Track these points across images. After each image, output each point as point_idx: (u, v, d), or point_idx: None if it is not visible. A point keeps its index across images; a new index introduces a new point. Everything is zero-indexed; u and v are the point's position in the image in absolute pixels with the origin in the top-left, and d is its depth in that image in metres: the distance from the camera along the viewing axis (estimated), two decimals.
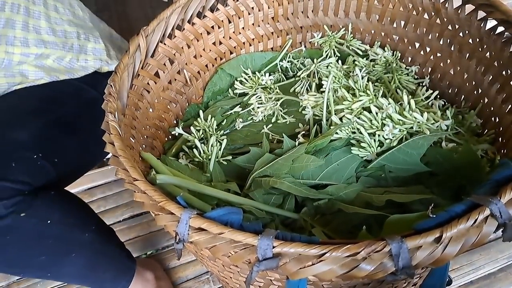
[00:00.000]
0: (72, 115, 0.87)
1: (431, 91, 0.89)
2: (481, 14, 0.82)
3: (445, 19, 0.90)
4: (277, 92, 0.98)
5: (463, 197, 0.54)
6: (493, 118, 0.84)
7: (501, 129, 0.81)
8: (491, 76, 0.84)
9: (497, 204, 0.50)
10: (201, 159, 0.85)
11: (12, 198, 0.71)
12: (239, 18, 1.02)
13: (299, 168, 0.73)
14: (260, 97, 0.97)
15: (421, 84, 0.97)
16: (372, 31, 1.05)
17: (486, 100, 0.86)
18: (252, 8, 1.02)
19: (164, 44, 0.89)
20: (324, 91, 0.85)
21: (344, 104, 0.81)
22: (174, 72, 0.95)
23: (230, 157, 0.84)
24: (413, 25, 0.97)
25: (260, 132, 0.91)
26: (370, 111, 0.78)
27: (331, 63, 0.98)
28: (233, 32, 1.03)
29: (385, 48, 1.02)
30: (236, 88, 1.02)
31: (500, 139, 0.81)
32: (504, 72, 0.80)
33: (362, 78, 0.88)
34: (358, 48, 1.04)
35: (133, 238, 1.25)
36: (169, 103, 0.95)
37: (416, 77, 0.99)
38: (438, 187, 0.72)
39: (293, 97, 0.95)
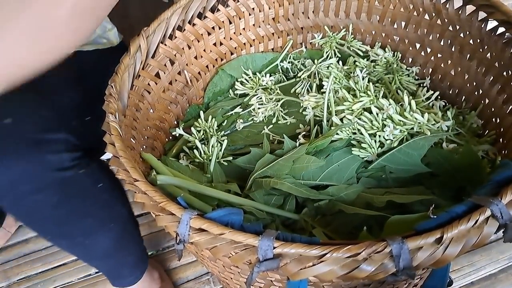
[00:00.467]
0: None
1: (432, 92, 0.89)
2: (482, 15, 0.82)
3: (446, 20, 0.90)
4: (277, 92, 0.98)
5: (463, 198, 0.54)
6: (494, 119, 0.84)
7: (501, 130, 0.81)
8: (492, 77, 0.84)
9: (498, 205, 0.50)
10: (202, 159, 0.85)
11: (75, 153, 0.71)
12: (240, 18, 1.02)
13: (300, 169, 0.73)
14: (261, 98, 0.97)
15: (421, 85, 0.97)
16: (373, 32, 1.05)
17: (487, 101, 0.86)
18: (253, 8, 1.02)
19: (165, 44, 0.89)
20: (324, 92, 0.85)
21: (344, 105, 0.81)
22: (174, 72, 0.95)
23: (230, 158, 0.84)
24: (413, 25, 0.97)
25: (260, 133, 0.91)
26: (370, 112, 0.78)
27: (332, 64, 0.98)
28: (234, 33, 1.03)
29: (386, 49, 1.02)
30: (236, 89, 1.02)
31: (501, 140, 0.81)
32: (505, 73, 0.80)
33: (363, 79, 0.88)
34: (358, 49, 1.04)
35: None
36: (170, 103, 0.95)
37: (416, 78, 0.99)
38: (438, 188, 0.72)
39: (294, 97, 0.95)
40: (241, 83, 1.03)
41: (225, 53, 1.04)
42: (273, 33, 1.08)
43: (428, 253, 0.49)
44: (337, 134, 0.77)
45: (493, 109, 0.84)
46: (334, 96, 0.86)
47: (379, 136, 0.75)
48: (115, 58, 0.85)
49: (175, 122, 0.98)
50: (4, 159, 0.65)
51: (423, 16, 0.94)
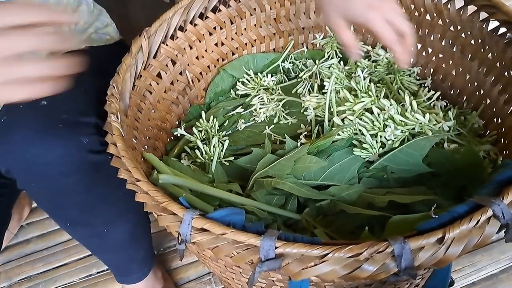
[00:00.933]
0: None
1: (433, 92, 0.89)
2: (483, 15, 0.82)
3: (447, 20, 0.90)
4: (279, 93, 0.98)
5: (465, 198, 0.54)
6: (495, 119, 0.84)
7: (503, 130, 0.81)
8: (493, 77, 0.84)
9: (500, 204, 0.50)
10: (203, 160, 0.85)
11: (103, 138, 0.72)
12: (241, 19, 1.02)
13: (302, 169, 0.73)
14: (262, 98, 0.97)
15: (423, 85, 0.97)
16: None
17: (488, 101, 0.86)
18: (254, 9, 1.02)
19: (166, 45, 0.89)
20: (326, 92, 0.85)
21: (346, 106, 0.81)
22: (176, 73, 0.95)
23: (232, 158, 0.84)
24: (415, 26, 0.97)
25: (262, 133, 0.91)
26: (372, 112, 0.78)
27: (333, 64, 0.99)
28: (235, 33, 1.03)
29: (387, 49, 1.02)
30: (238, 89, 1.02)
31: (502, 140, 0.81)
32: (506, 73, 0.80)
33: (364, 79, 0.88)
34: (360, 49, 1.04)
35: None
36: (171, 104, 0.95)
37: (418, 78, 0.99)
38: (440, 188, 0.72)
39: (295, 98, 0.95)
40: (243, 83, 1.03)
41: (226, 53, 1.04)
42: (274, 33, 1.08)
43: (430, 253, 0.49)
44: (339, 134, 0.77)
45: (494, 109, 0.84)
46: (335, 97, 0.86)
47: (381, 136, 0.75)
48: (122, 52, 0.86)
49: (177, 122, 0.98)
50: (44, 140, 0.66)
51: (424, 17, 0.94)
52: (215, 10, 0.97)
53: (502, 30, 0.79)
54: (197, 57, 0.99)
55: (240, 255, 0.52)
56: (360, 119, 0.78)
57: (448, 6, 0.88)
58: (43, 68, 0.47)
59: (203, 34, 0.97)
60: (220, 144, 0.86)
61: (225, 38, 1.02)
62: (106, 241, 0.89)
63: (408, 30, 0.72)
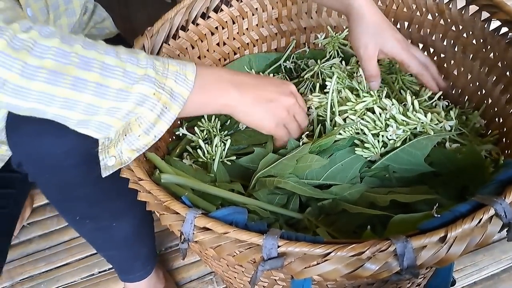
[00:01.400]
0: None
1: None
2: (485, 15, 0.82)
3: (449, 20, 0.90)
4: None
5: (467, 198, 0.54)
6: (496, 119, 0.84)
7: (504, 129, 0.81)
8: (495, 77, 0.84)
9: (502, 204, 0.50)
10: (205, 159, 0.85)
11: None
12: (243, 19, 1.02)
13: (303, 168, 0.73)
14: None
15: (424, 85, 0.97)
16: None
17: (489, 100, 0.86)
18: (256, 9, 1.02)
19: (169, 44, 0.90)
20: (327, 92, 0.85)
21: (347, 105, 0.81)
22: None
23: (234, 158, 0.84)
24: (416, 26, 0.97)
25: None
26: (373, 112, 0.78)
27: (335, 64, 0.99)
28: (237, 33, 1.03)
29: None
30: None
31: (504, 139, 0.82)
32: (508, 73, 0.80)
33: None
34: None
35: None
36: None
37: None
38: (442, 188, 0.72)
39: None
40: None
41: (228, 53, 1.04)
42: (276, 33, 1.08)
43: (432, 252, 0.49)
44: (340, 134, 0.77)
45: (496, 109, 0.84)
46: (337, 96, 0.86)
47: (382, 136, 0.75)
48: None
49: (179, 122, 0.98)
50: (56, 131, 0.66)
51: (426, 16, 0.95)
52: (217, 10, 0.97)
53: (504, 29, 0.79)
54: (199, 57, 0.99)
55: (242, 254, 0.52)
56: (362, 119, 0.78)
57: (450, 6, 0.88)
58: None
59: (205, 34, 0.97)
60: (222, 144, 0.86)
61: (227, 38, 1.02)
62: (112, 236, 0.90)
63: (429, 61, 0.88)
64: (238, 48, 1.05)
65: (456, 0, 0.88)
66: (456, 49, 0.92)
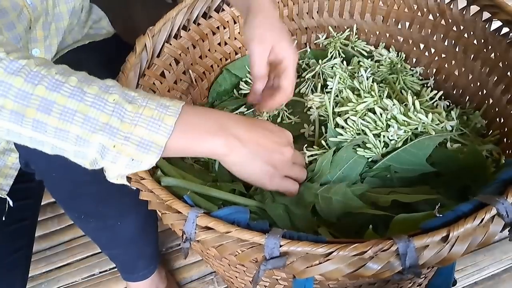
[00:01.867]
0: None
1: (436, 92, 0.89)
2: (486, 15, 0.82)
3: (450, 20, 0.90)
4: None
5: (468, 197, 0.54)
6: (498, 119, 0.84)
7: (505, 129, 0.81)
8: (496, 77, 0.84)
9: (504, 203, 0.50)
10: (207, 159, 0.85)
11: None
12: None
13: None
14: None
15: (425, 85, 0.97)
16: (377, 32, 1.05)
17: (491, 101, 0.86)
18: None
19: (170, 44, 0.90)
20: (329, 92, 0.85)
21: (349, 106, 0.81)
22: (179, 72, 0.95)
23: None
24: (418, 26, 0.97)
25: None
26: (374, 112, 0.78)
27: (336, 64, 0.99)
28: (238, 32, 1.03)
29: (390, 49, 1.03)
30: (241, 89, 1.03)
31: (505, 139, 0.82)
32: (509, 73, 0.80)
33: (367, 79, 0.88)
34: (363, 49, 1.04)
35: None
36: None
37: (420, 78, 0.99)
38: (443, 188, 0.72)
39: (298, 97, 0.95)
40: (246, 82, 1.04)
41: (229, 53, 1.04)
42: None
43: (434, 251, 0.49)
44: (341, 135, 0.77)
45: (497, 109, 0.84)
46: (338, 96, 0.86)
47: (384, 136, 0.75)
48: (121, 46, 0.86)
49: None
50: None
51: (427, 17, 0.95)
52: (218, 9, 0.97)
53: (505, 30, 0.79)
54: (200, 57, 0.99)
55: (244, 253, 0.52)
56: (363, 119, 0.78)
57: (451, 6, 0.88)
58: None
59: (207, 34, 0.97)
60: None
61: (228, 37, 1.02)
62: (117, 234, 0.90)
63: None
64: (240, 48, 1.05)
65: (457, 0, 0.88)
66: (457, 50, 0.92)
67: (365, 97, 0.81)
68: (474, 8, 0.85)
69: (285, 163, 0.66)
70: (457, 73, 0.94)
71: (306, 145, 0.81)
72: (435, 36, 0.95)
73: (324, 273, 0.50)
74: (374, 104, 0.79)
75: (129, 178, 0.60)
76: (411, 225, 0.56)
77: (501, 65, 0.82)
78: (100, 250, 1.18)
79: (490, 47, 0.84)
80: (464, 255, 0.49)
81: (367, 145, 0.75)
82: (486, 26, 0.83)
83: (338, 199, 0.69)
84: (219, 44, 1.01)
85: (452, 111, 0.84)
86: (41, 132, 0.51)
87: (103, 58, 0.86)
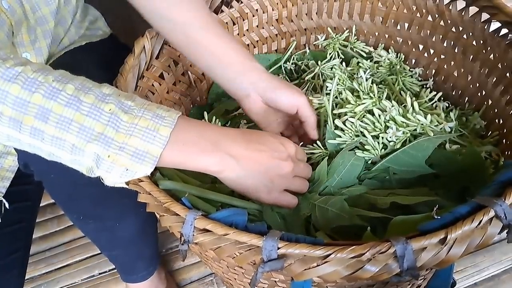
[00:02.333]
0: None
1: (435, 93, 0.89)
2: (485, 16, 0.82)
3: (449, 21, 0.90)
4: None
5: (467, 199, 0.54)
6: (497, 120, 0.84)
7: (505, 131, 0.81)
8: (495, 78, 0.84)
9: (502, 205, 0.50)
10: None
11: None
12: (244, 20, 1.02)
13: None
14: None
15: (425, 86, 0.97)
16: (376, 33, 1.05)
17: (490, 102, 0.86)
18: (257, 10, 1.02)
19: (169, 45, 0.90)
20: (328, 93, 0.85)
21: (347, 107, 0.81)
22: (178, 73, 0.95)
23: None
24: (417, 27, 0.97)
25: None
26: (373, 114, 0.78)
27: (336, 65, 0.98)
28: (238, 34, 1.03)
29: (389, 50, 1.02)
30: None
31: (504, 141, 0.81)
32: (508, 74, 0.80)
33: (366, 80, 0.88)
34: (362, 50, 1.04)
35: None
36: (174, 104, 0.96)
37: (420, 79, 0.99)
38: (442, 189, 0.72)
39: None
40: None
41: None
42: (276, 34, 1.08)
43: (432, 253, 0.49)
44: (340, 136, 0.77)
45: (496, 110, 0.84)
46: (338, 98, 0.86)
47: (382, 138, 0.75)
48: (118, 47, 0.85)
49: None
50: None
51: (426, 18, 0.95)
52: (217, 11, 0.97)
53: (504, 31, 0.79)
54: None
55: (242, 255, 0.52)
56: (362, 121, 0.78)
57: (450, 7, 0.88)
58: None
59: None
60: None
61: None
62: (116, 235, 0.90)
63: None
64: None
65: (456, 1, 0.88)
66: (456, 51, 0.92)
67: (364, 98, 0.81)
68: (473, 9, 0.84)
69: (283, 178, 0.66)
70: (456, 74, 0.94)
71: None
72: (434, 37, 0.95)
73: (322, 275, 0.50)
74: (373, 106, 0.79)
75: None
76: (409, 227, 0.56)
77: (500, 66, 0.82)
78: (99, 251, 1.18)
79: (489, 48, 0.84)
80: (462, 257, 0.49)
81: (365, 146, 0.75)
82: (485, 27, 0.83)
83: (334, 211, 0.69)
84: None
85: (451, 112, 0.84)
86: (38, 139, 0.52)
87: (100, 58, 0.86)
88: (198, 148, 0.57)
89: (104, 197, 0.81)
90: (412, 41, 1.00)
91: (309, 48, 1.11)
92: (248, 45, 1.06)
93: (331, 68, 0.98)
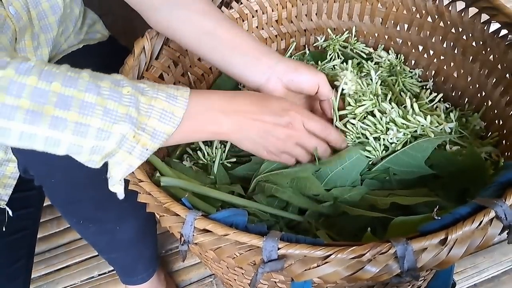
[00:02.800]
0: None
1: (435, 94, 0.89)
2: (484, 17, 0.82)
3: (449, 22, 0.90)
4: None
5: (467, 200, 0.54)
6: (496, 121, 0.84)
7: (504, 131, 0.81)
8: (494, 79, 0.84)
9: (502, 206, 0.50)
10: (205, 161, 0.85)
11: None
12: (243, 21, 1.02)
13: (300, 186, 0.73)
14: None
15: (425, 87, 0.97)
16: (376, 34, 1.05)
17: (489, 102, 0.86)
18: (256, 11, 1.02)
19: (169, 46, 0.90)
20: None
21: (347, 109, 0.81)
22: (178, 74, 0.95)
23: (234, 160, 0.84)
24: (416, 28, 0.97)
25: None
26: (374, 115, 0.78)
27: (336, 65, 0.98)
28: None
29: (389, 51, 1.02)
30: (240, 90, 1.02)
31: (504, 141, 0.81)
32: (507, 75, 0.80)
33: (376, 81, 0.87)
34: (362, 51, 1.04)
35: None
36: None
37: (420, 80, 0.99)
38: (442, 190, 0.72)
39: None
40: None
41: None
42: (276, 35, 1.08)
43: (433, 254, 0.49)
44: None
45: (496, 111, 0.84)
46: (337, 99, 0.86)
47: (383, 139, 0.75)
48: (118, 49, 0.84)
49: None
50: None
51: (426, 19, 0.95)
52: None
53: (504, 32, 0.79)
54: (199, 59, 0.99)
55: (242, 256, 0.52)
56: (363, 123, 0.77)
57: (450, 8, 0.88)
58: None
59: None
60: (222, 146, 0.86)
61: None
62: (116, 238, 0.90)
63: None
64: None
65: (455, 2, 0.88)
66: (456, 51, 0.92)
67: (364, 100, 0.81)
68: (472, 10, 0.84)
69: (279, 141, 0.69)
70: (456, 75, 0.94)
71: None
72: (434, 38, 0.95)
73: (322, 276, 0.50)
74: (373, 107, 0.79)
75: (126, 181, 0.60)
76: (410, 228, 0.56)
77: (499, 67, 0.82)
78: None
79: (488, 49, 0.84)
80: (462, 258, 0.49)
81: (366, 148, 0.75)
82: (485, 28, 0.83)
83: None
84: None
85: (451, 113, 0.84)
86: (59, 129, 0.51)
87: (98, 61, 0.86)
88: (208, 117, 0.62)
89: (104, 200, 0.80)
90: (412, 42, 1.00)
91: (308, 49, 1.11)
92: None
93: (333, 68, 0.98)
